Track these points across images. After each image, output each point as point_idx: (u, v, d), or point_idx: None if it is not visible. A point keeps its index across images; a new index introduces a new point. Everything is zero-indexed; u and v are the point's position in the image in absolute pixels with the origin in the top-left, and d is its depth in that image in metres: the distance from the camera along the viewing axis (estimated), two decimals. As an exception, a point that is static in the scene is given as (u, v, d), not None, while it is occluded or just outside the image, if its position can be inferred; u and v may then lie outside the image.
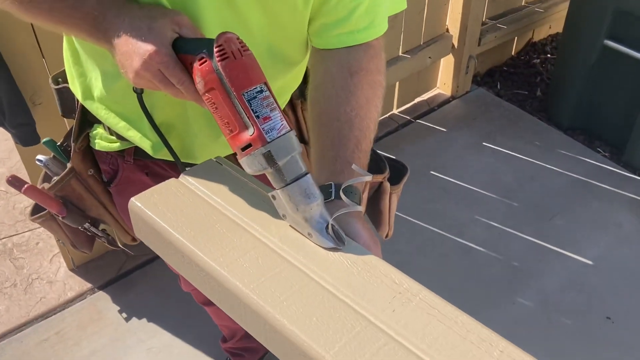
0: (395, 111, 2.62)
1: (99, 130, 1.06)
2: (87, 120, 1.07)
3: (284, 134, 0.69)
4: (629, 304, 1.87)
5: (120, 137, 1.01)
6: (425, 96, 2.71)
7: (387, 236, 1.21)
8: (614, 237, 2.08)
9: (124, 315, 1.84)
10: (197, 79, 0.71)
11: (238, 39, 0.70)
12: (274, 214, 0.72)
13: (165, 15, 0.76)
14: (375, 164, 1.10)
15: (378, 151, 1.10)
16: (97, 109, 0.98)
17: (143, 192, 0.72)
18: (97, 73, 0.94)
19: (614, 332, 1.80)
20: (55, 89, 1.11)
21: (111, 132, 1.03)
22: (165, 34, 0.73)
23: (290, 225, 0.72)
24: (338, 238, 0.71)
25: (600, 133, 2.48)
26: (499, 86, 2.78)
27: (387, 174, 1.12)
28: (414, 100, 2.67)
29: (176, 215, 0.68)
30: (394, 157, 1.17)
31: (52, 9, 0.80)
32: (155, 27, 0.73)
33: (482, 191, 2.26)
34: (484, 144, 2.45)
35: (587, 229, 2.11)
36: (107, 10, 0.77)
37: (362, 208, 0.79)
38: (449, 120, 2.58)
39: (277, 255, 0.66)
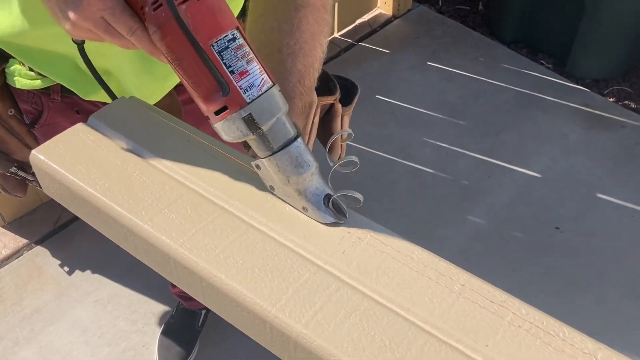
0: (336, 35, 2.50)
1: (16, 66, 0.93)
2: (1, 55, 0.92)
3: (265, 91, 0.57)
4: (576, 212, 1.91)
5: (42, 75, 0.88)
6: (366, 17, 2.59)
7: (339, 158, 1.14)
8: (560, 148, 2.09)
9: (66, 269, 1.75)
10: (152, 27, 0.57)
11: None
12: (200, 155, 0.63)
13: None
14: (325, 85, 1.01)
15: (327, 71, 1.02)
16: (7, 46, 0.85)
17: (46, 143, 0.62)
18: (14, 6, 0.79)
19: (563, 240, 1.83)
20: None
21: (31, 68, 0.89)
22: None
23: (279, 198, 0.61)
24: (338, 211, 0.61)
25: (543, 45, 2.44)
26: (440, 3, 2.68)
27: (338, 95, 1.04)
28: (355, 22, 2.56)
29: (87, 166, 0.58)
30: (342, 75, 1.09)
31: None
32: None
33: (428, 112, 2.21)
34: (428, 63, 2.39)
35: (533, 141, 2.12)
36: None
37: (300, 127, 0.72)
38: (392, 41, 2.49)
39: (209, 203, 0.58)
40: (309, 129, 1.00)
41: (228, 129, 0.57)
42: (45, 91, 0.92)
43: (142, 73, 0.87)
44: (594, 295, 1.70)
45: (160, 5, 0.56)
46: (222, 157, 0.64)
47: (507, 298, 0.53)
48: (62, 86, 0.91)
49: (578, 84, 2.32)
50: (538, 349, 0.49)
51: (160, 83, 0.92)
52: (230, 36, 0.57)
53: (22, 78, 0.93)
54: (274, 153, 0.58)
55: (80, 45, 0.68)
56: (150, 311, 1.65)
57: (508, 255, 1.80)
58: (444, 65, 2.38)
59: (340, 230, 0.58)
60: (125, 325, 1.62)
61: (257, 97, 0.56)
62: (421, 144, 2.10)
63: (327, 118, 1.06)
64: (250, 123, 0.57)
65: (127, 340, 1.59)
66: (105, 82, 0.71)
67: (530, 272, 1.76)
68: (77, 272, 1.74)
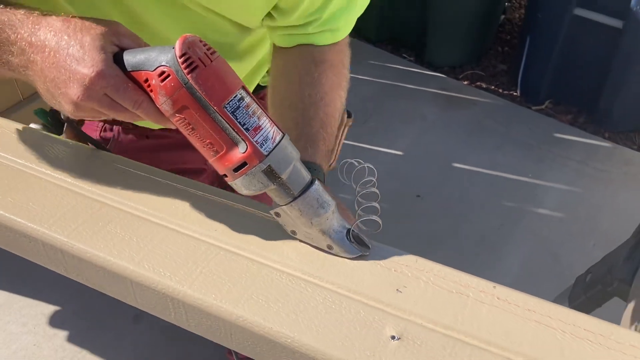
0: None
1: None
2: None
3: (279, 142, 0.59)
4: (435, 181, 2.13)
5: None
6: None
7: (330, 166, 1.19)
8: (419, 128, 2.32)
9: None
10: (162, 98, 0.57)
11: (201, 41, 0.57)
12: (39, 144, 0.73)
13: (98, 25, 0.60)
14: None
15: None
16: None
17: None
18: None
19: (422, 205, 2.04)
20: None
21: None
22: (104, 49, 0.58)
23: (301, 241, 0.64)
24: (361, 243, 0.63)
25: (404, 41, 2.70)
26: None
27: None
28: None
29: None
30: None
31: None
32: (89, 41, 0.58)
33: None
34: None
35: (396, 124, 2.34)
36: (19, 28, 0.61)
37: (325, 174, 0.76)
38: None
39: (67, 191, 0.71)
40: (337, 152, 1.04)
41: (249, 183, 0.59)
42: (116, 121, 0.93)
43: None
44: (452, 250, 1.90)
45: (168, 76, 0.56)
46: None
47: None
48: None
49: (436, 72, 2.58)
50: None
51: None
52: (239, 96, 0.58)
53: None
54: (295, 199, 0.60)
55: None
56: (40, 312, 1.72)
57: (376, 223, 1.98)
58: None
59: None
60: (15, 328, 1.68)
61: (273, 148, 0.58)
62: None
63: None
64: (270, 174, 0.58)
65: (17, 342, 1.65)
66: None
67: (395, 234, 1.94)
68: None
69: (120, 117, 0.61)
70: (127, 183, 0.72)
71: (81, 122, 0.93)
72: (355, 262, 0.63)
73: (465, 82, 2.54)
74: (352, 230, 0.63)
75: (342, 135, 1.16)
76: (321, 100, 0.81)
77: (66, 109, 0.61)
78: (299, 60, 0.84)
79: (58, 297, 1.75)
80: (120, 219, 0.67)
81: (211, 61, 0.56)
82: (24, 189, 0.70)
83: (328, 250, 0.63)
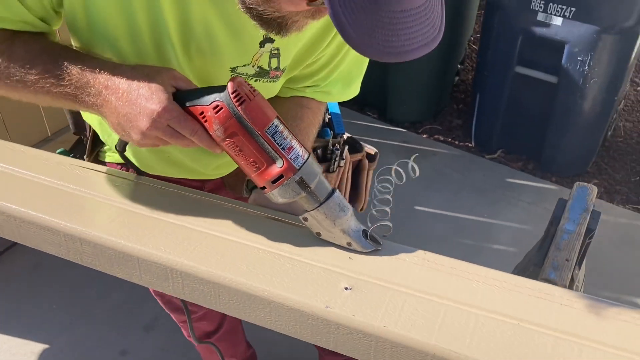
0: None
1: (111, 146, 1.06)
2: (99, 140, 1.07)
3: (307, 159, 0.74)
4: (399, 222, 2.30)
5: None
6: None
7: (362, 209, 1.33)
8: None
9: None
10: (215, 126, 0.72)
11: (246, 81, 0.73)
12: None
13: (161, 71, 0.75)
14: (353, 146, 1.23)
15: (353, 136, 1.26)
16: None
17: None
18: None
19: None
20: (69, 110, 1.11)
21: None
22: (167, 90, 0.73)
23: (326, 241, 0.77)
24: (374, 240, 0.77)
25: (369, 101, 2.95)
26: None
27: (364, 152, 1.24)
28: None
29: None
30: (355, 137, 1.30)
31: (36, 82, 0.79)
32: (155, 84, 0.73)
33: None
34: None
35: (364, 175, 2.54)
36: (97, 74, 0.76)
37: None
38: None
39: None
40: (345, 183, 1.21)
41: (284, 192, 0.74)
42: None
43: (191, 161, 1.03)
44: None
45: (221, 108, 0.71)
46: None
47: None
48: None
49: (398, 127, 2.82)
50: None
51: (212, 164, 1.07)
52: (275, 123, 0.73)
53: (114, 153, 1.06)
54: (321, 204, 0.74)
55: (122, 153, 0.85)
56: (30, 351, 1.81)
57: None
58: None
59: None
60: (5, 366, 1.76)
61: (304, 163, 0.73)
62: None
63: (355, 173, 1.27)
64: (302, 184, 0.73)
65: (8, 379, 1.73)
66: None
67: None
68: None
69: (179, 144, 0.75)
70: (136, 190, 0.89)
71: (98, 161, 1.08)
72: (315, 238, 0.80)
73: (425, 136, 2.78)
74: (369, 231, 0.77)
75: (367, 179, 1.30)
76: (300, 131, 0.97)
77: (134, 138, 0.75)
78: (288, 102, 1.01)
79: (46, 335, 1.84)
80: (126, 216, 0.83)
81: (254, 96, 0.72)
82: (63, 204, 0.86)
83: (347, 247, 0.77)
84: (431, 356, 0.66)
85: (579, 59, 2.25)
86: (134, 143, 0.77)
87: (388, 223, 0.79)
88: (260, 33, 0.84)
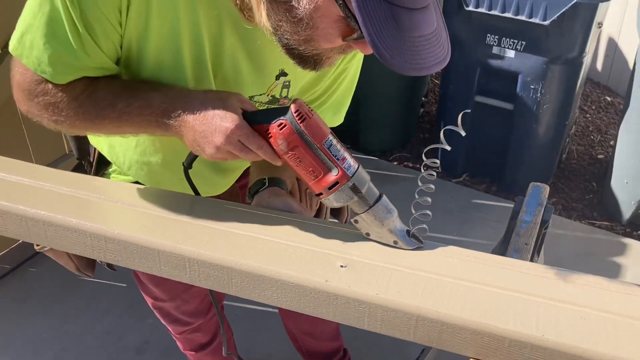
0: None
1: (115, 168, 1.16)
2: (103, 162, 1.17)
3: (357, 168, 0.84)
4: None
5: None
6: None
7: (345, 220, 1.41)
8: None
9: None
10: (279, 141, 0.83)
11: (304, 102, 0.84)
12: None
13: (231, 95, 0.88)
14: None
15: None
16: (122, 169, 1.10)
17: None
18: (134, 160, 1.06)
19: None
20: (72, 136, 1.19)
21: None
22: (237, 111, 0.85)
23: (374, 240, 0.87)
24: (416, 239, 0.87)
25: (342, 132, 3.10)
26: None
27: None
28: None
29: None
30: None
31: (121, 115, 0.90)
32: (228, 106, 0.85)
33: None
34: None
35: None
36: (174, 100, 0.88)
37: (288, 186, 1.04)
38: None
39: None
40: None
41: (339, 197, 0.84)
42: (136, 183, 1.11)
43: (216, 174, 1.14)
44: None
45: (285, 125, 0.83)
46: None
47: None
48: None
49: (370, 155, 2.99)
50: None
51: (228, 178, 1.19)
52: (330, 137, 0.84)
53: (118, 175, 1.16)
54: (370, 207, 0.85)
55: (187, 168, 0.96)
56: (24, 377, 1.85)
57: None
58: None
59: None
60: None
61: (355, 172, 0.84)
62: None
63: None
64: (354, 189, 0.84)
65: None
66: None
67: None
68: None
69: (246, 158, 0.87)
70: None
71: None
72: (313, 230, 0.92)
73: (395, 163, 2.95)
74: (412, 231, 0.88)
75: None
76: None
77: (208, 152, 0.87)
78: None
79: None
80: (144, 217, 0.95)
81: (312, 115, 0.84)
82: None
83: (393, 245, 0.87)
84: (416, 316, 0.79)
85: (532, 87, 2.47)
86: (207, 157, 0.89)
87: (424, 226, 0.89)
88: (277, 67, 0.99)
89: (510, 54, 2.45)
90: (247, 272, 0.86)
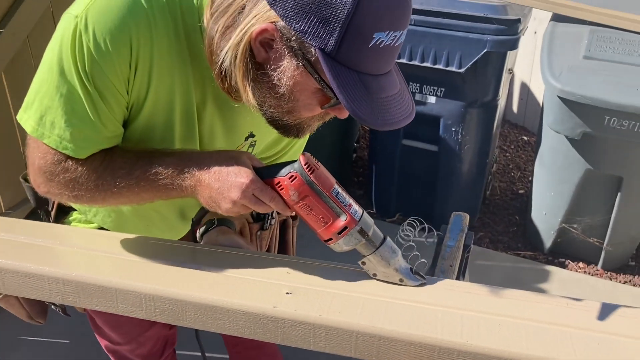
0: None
1: (75, 216, 1.18)
2: (63, 210, 1.19)
3: (362, 213, 0.90)
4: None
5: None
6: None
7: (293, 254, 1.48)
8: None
9: None
10: (291, 192, 0.88)
11: (311, 155, 0.90)
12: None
13: (241, 154, 0.95)
14: None
15: None
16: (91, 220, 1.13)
17: None
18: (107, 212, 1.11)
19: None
20: (29, 186, 1.15)
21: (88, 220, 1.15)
22: (250, 167, 0.92)
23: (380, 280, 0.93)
24: (420, 276, 0.92)
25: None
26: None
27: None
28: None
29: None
30: None
31: (138, 182, 0.95)
32: (240, 163, 0.92)
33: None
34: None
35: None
36: (188, 161, 0.93)
37: (237, 227, 1.11)
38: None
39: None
40: (275, 239, 1.38)
41: (348, 241, 0.90)
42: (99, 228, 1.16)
43: (180, 221, 1.19)
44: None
45: (296, 177, 0.88)
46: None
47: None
48: None
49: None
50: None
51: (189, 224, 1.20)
52: (336, 185, 0.90)
53: (79, 223, 1.18)
54: (377, 249, 0.91)
55: (194, 224, 1.02)
56: None
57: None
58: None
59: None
60: None
61: (361, 217, 0.90)
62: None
63: (282, 229, 1.43)
64: (362, 233, 0.90)
65: None
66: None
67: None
68: None
69: (260, 210, 0.93)
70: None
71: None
72: (257, 264, 1.01)
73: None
74: (414, 269, 0.94)
75: (293, 235, 1.47)
76: None
77: (224, 207, 0.92)
78: None
79: None
80: (100, 259, 1.01)
81: (319, 166, 0.90)
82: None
83: (399, 283, 0.93)
84: (356, 333, 0.88)
85: (453, 129, 2.67)
86: (222, 211, 0.94)
87: (424, 260, 0.99)
88: (247, 130, 1.09)
89: (432, 99, 2.65)
90: (200, 303, 0.92)
